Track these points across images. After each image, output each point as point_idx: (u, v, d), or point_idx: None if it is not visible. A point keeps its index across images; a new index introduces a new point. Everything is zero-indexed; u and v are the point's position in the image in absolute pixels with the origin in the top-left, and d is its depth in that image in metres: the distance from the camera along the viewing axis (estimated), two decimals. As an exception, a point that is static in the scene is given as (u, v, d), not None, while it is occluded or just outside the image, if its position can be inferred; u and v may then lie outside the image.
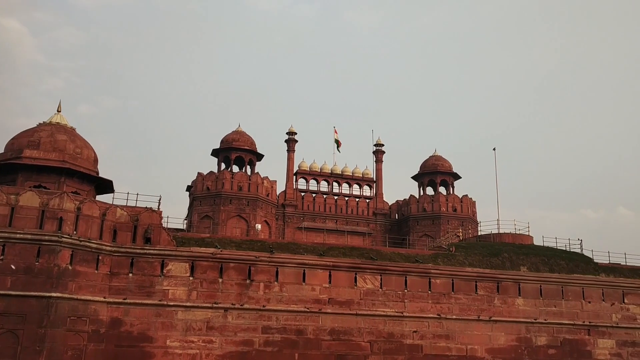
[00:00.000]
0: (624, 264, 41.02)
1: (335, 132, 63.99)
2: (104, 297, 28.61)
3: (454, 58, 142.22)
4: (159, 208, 32.04)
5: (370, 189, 63.91)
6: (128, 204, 31.86)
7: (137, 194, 32.56)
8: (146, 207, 31.48)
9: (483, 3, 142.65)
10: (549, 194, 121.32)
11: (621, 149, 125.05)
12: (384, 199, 62.99)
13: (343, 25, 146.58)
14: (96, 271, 28.70)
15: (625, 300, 37.06)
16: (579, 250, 40.91)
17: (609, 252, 40.82)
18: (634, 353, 35.97)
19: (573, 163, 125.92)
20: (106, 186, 35.32)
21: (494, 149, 52.84)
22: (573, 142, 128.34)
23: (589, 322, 35.79)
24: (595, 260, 39.78)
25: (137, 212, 31.04)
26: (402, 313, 32.77)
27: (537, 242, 41.91)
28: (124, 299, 28.94)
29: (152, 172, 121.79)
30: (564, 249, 41.02)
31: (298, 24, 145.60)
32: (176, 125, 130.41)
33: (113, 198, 32.59)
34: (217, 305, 30.19)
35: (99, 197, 34.49)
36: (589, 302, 36.27)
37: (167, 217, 38.83)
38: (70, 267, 27.61)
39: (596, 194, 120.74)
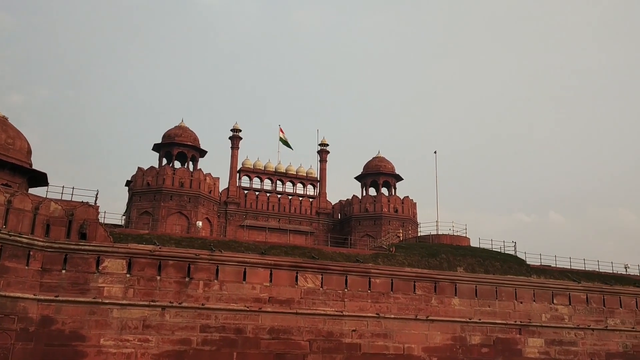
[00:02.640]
0: (554, 266, 42.80)
1: (281, 130, 63.84)
2: (34, 295, 27.43)
3: (399, 60, 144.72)
4: (95, 203, 31.08)
5: (314, 189, 64.14)
6: (63, 198, 30.76)
7: (73, 188, 31.55)
8: (82, 202, 30.45)
9: (429, 6, 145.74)
10: (486, 197, 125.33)
11: (552, 157, 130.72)
12: (327, 199, 63.35)
13: (289, 23, 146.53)
14: (27, 267, 27.49)
15: (555, 301, 38.63)
16: (512, 252, 42.39)
17: (540, 254, 42.55)
18: (561, 352, 37.57)
19: (508, 168, 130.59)
20: (40, 179, 33.95)
21: (435, 152, 54.06)
22: (508, 148, 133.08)
23: (521, 322, 37.10)
24: (527, 262, 41.30)
25: (72, 207, 29.96)
26: (341, 312, 33.01)
27: (474, 243, 43.17)
28: (56, 297, 27.86)
29: (90, 166, 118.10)
30: (499, 250, 42.43)
31: (243, 20, 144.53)
32: (116, 118, 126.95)
33: (47, 192, 31.40)
34: (154, 304, 29.53)
35: (32, 191, 33.14)
36: (521, 303, 37.60)
37: (105, 212, 37.85)
38: (-2, 263, 26.34)
39: (529, 198, 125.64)
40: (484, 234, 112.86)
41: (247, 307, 31.18)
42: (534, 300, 38.06)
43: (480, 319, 36.03)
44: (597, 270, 43.84)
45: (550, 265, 42.62)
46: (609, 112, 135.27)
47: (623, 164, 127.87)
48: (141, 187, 52.60)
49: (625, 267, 45.98)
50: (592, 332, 38.73)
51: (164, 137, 56.13)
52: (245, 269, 31.89)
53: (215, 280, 31.16)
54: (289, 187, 63.62)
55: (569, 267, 42.86)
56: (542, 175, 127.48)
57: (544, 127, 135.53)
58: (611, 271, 44.46)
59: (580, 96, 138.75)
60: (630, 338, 39.79)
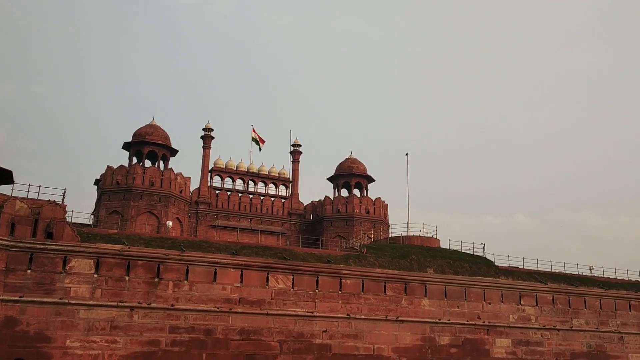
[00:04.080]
0: (522, 267, 43.49)
1: (254, 130, 63.56)
2: (-2, 295, 26.79)
3: (371, 61, 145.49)
4: (63, 202, 30.55)
5: (286, 189, 64.03)
6: (29, 197, 30.09)
7: (40, 187, 30.94)
8: (49, 200, 29.87)
9: (396, 9, 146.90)
10: (455, 199, 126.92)
11: (519, 160, 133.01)
12: (300, 199, 63.30)
13: (260, 24, 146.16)
14: (-10, 267, 26.82)
15: (522, 302, 39.26)
16: (481, 254, 42.95)
17: (508, 256, 43.18)
18: (527, 352, 38.20)
19: (477, 171, 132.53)
20: (5, 177, 33.06)
21: (407, 154, 54.44)
22: (477, 151, 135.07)
23: (489, 322, 37.61)
24: (496, 264, 41.89)
25: (38, 205, 29.34)
26: (312, 313, 33.02)
27: (444, 245, 43.59)
28: (21, 297, 27.24)
29: (57, 165, 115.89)
30: (468, 252, 42.93)
31: (215, 20, 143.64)
32: (85, 116, 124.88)
33: (12, 190, 30.64)
34: (122, 304, 29.10)
35: (-4, 188, 32.29)
36: (489, 304, 38.12)
37: (72, 211, 37.18)
38: (-40, 262, 25.67)
39: (497, 200, 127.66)
40: (453, 236, 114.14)
41: (218, 308, 30.96)
42: (502, 301, 38.62)
43: (449, 320, 36.41)
44: (564, 271, 44.73)
45: (518, 267, 43.29)
46: (575, 118, 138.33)
47: (588, 168, 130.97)
48: (110, 186, 51.81)
49: (590, 269, 47.00)
50: (557, 332, 39.49)
51: (134, 135, 55.40)
52: (215, 269, 31.66)
53: (185, 281, 30.86)
54: (261, 187, 63.39)
55: (536, 268, 43.60)
56: (510, 178, 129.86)
57: (512, 131, 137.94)
58: (577, 273, 45.41)
59: (549, 100, 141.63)
60: (594, 338, 40.69)
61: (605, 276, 46.27)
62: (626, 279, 46.99)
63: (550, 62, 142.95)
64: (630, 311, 42.66)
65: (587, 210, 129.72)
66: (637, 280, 47.64)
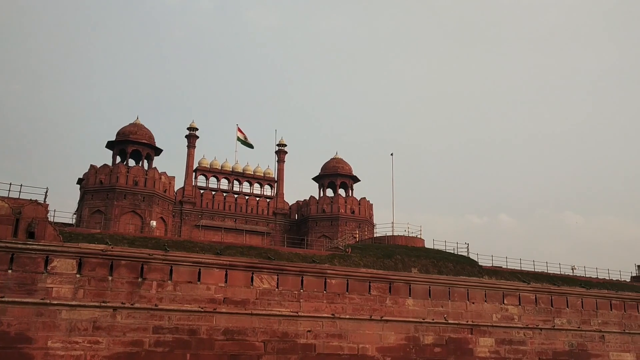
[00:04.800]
0: (505, 267, 43.85)
1: (239, 130, 63.35)
2: (-22, 295, 26.41)
3: (357, 61, 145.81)
4: (45, 201, 30.15)
5: (271, 189, 63.93)
6: (10, 196, 29.63)
7: (21, 186, 30.49)
8: (30, 200, 29.46)
9: (382, 9, 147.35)
10: (440, 199, 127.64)
11: (502, 160, 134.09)
12: (285, 199, 63.25)
13: (245, 23, 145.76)
14: (-30, 267, 26.43)
15: (505, 301, 39.55)
16: (465, 254, 43.22)
17: (492, 256, 43.55)
18: (510, 351, 38.50)
19: (461, 171, 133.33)
20: (-14, 175, 32.67)
21: (392, 154, 54.55)
22: (461, 152, 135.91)
23: (472, 322, 37.83)
24: (479, 264, 42.19)
25: (20, 205, 28.94)
26: (297, 313, 32.97)
27: (428, 244, 43.84)
28: (1, 297, 26.84)
29: (39, 163, 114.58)
30: (452, 252, 43.19)
31: (199, 19, 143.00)
32: (68, 114, 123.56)
33: (-7, 188, 30.24)
34: (105, 304, 28.82)
35: (-24, 187, 31.88)
36: (473, 303, 38.35)
37: (54, 210, 36.83)
38: (-61, 262, 25.25)
39: (480, 201, 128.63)
40: (437, 236, 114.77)
41: (202, 308, 30.80)
42: (485, 301, 38.87)
43: (433, 319, 36.57)
44: (546, 271, 45.18)
45: (501, 267, 43.63)
46: (557, 120, 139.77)
47: (570, 168, 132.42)
48: (93, 185, 51.35)
49: (572, 269, 47.55)
50: (540, 331, 39.83)
51: (118, 134, 54.96)
52: (200, 269, 31.49)
53: (169, 281, 30.66)
54: (246, 187, 63.24)
55: (519, 268, 43.99)
56: (493, 179, 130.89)
57: (496, 132, 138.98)
58: (559, 272, 45.89)
59: (531, 102, 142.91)
60: (576, 337, 41.11)
61: (587, 276, 46.85)
62: (607, 278, 47.62)
63: (531, 62, 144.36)
64: (611, 310, 43.18)
65: (569, 210, 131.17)
66: (618, 280, 48.30)
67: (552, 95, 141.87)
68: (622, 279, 48.94)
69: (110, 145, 54.84)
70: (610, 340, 42.26)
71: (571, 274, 46.62)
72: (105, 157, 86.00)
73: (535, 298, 40.66)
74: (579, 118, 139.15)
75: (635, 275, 50.87)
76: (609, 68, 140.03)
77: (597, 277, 46.91)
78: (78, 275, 28.81)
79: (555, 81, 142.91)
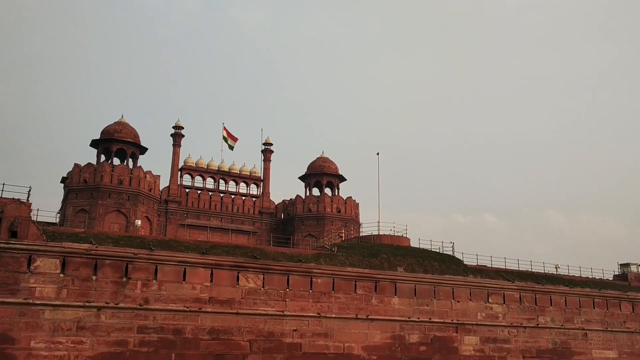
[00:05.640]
0: (490, 266, 44.18)
1: (225, 129, 63.13)
2: (-41, 295, 26.07)
3: (342, 60, 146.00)
4: (28, 199, 29.86)
5: (257, 188, 63.80)
6: (-8, 195, 29.35)
7: (3, 184, 30.25)
8: (13, 199, 29.15)
9: (369, 9, 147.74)
10: (425, 199, 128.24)
11: (486, 160, 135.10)
12: (271, 198, 63.15)
13: (231, 22, 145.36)
14: (-49, 267, 26.08)
15: (490, 300, 39.84)
16: (451, 253, 43.47)
17: (477, 254, 43.87)
18: (495, 349, 38.80)
19: (446, 170, 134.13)
20: (-33, 174, 32.26)
21: (378, 154, 54.62)
22: (446, 152, 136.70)
23: (457, 320, 38.06)
24: (464, 262, 42.45)
25: (2, 204, 28.63)
26: (283, 312, 32.95)
27: (414, 244, 44.03)
28: (-17, 297, 26.57)
29: (22, 162, 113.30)
30: (438, 251, 43.42)
31: (184, 17, 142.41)
32: (52, 112, 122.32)
33: (-26, 187, 29.89)
34: (89, 304, 28.58)
35: (-43, 186, 31.43)
36: (458, 302, 38.57)
37: (38, 210, 36.30)
38: None
39: (465, 200, 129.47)
40: (423, 235, 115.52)
41: (187, 308, 30.66)
42: (470, 300, 39.12)
43: (418, 318, 36.73)
44: (530, 270, 45.57)
45: (486, 265, 43.95)
46: (540, 120, 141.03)
47: (552, 168, 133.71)
48: (78, 184, 50.90)
49: (556, 267, 48.02)
50: (524, 329, 40.18)
51: (102, 133, 54.52)
52: (185, 268, 31.34)
53: (154, 280, 30.48)
54: (232, 186, 63.06)
55: (503, 267, 44.35)
56: (478, 178, 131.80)
57: (479, 133, 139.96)
58: (543, 271, 46.32)
59: (515, 102, 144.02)
60: (560, 335, 41.53)
61: (570, 274, 47.36)
62: (590, 277, 48.18)
63: (514, 63, 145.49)
64: (594, 308, 43.68)
65: (552, 209, 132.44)
66: (601, 279, 48.88)
67: (535, 97, 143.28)
68: (605, 278, 49.54)
69: (94, 143, 54.38)
70: (593, 338, 42.75)
71: (555, 272, 47.09)
72: (89, 156, 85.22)
73: (520, 297, 40.99)
74: (561, 119, 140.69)
75: (617, 273, 51.51)
76: (590, 71, 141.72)
77: (581, 276, 47.44)
78: (62, 275, 28.54)
79: (536, 83, 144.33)
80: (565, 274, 47.19)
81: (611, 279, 50.13)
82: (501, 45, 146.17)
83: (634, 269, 51.53)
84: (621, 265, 52.51)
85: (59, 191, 57.27)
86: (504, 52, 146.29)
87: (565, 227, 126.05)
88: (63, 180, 55.72)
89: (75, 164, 51.91)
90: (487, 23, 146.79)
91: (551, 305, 42.05)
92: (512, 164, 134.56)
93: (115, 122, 55.26)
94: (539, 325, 40.88)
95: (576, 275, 47.38)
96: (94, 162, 53.04)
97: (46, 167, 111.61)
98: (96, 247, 29.66)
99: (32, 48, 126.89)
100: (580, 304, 43.20)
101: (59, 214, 51.47)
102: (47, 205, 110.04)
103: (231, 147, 62.83)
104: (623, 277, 50.07)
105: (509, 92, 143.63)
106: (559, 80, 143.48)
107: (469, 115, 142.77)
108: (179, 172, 59.91)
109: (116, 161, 54.52)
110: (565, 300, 42.80)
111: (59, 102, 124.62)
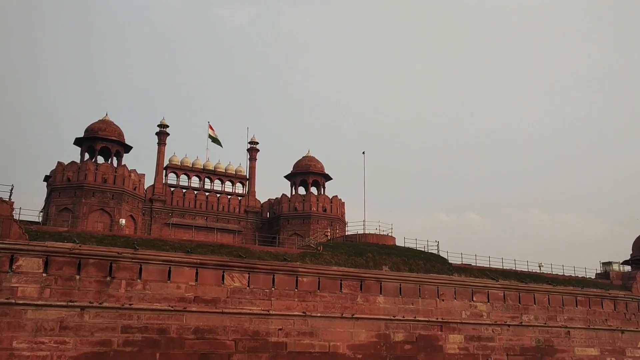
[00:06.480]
0: (474, 264, 44.42)
1: (210, 127, 62.82)
2: (-60, 295, 25.72)
3: (328, 59, 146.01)
4: (10, 198, 29.53)
5: (243, 187, 63.60)
6: (-27, 193, 28.96)
7: (-15, 183, 29.79)
8: (-5, 197, 28.81)
9: (352, 8, 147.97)
10: (410, 198, 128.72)
11: (470, 159, 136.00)
12: (256, 197, 62.97)
13: (214, 20, 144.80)
14: None
15: (474, 299, 40.13)
16: (435, 252, 43.61)
17: (461, 253, 44.00)
18: (479, 347, 39.09)
19: (429, 170, 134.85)
20: (-52, 172, 31.80)
21: (363, 153, 54.76)
22: (430, 150, 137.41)
23: (442, 319, 38.29)
24: (449, 261, 42.64)
25: (-17, 202, 28.30)
26: (268, 311, 32.91)
27: (399, 242, 44.11)
28: (-36, 297, 26.24)
29: (4, 160, 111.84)
30: (423, 249, 43.53)
31: (168, 15, 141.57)
32: (35, 110, 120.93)
33: (-45, 186, 29.50)
34: (72, 304, 28.35)
35: (-62, 184, 30.99)
36: (443, 300, 38.80)
37: (20, 208, 35.67)
38: None
39: (449, 199, 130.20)
40: (408, 234, 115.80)
41: (172, 307, 30.51)
42: (455, 298, 39.37)
43: (404, 317, 36.89)
44: (514, 269, 45.87)
45: (470, 264, 44.18)
46: (523, 120, 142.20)
47: (534, 167, 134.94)
48: (61, 183, 50.36)
49: (539, 266, 48.38)
50: (508, 327, 40.53)
51: (86, 131, 53.97)
52: (170, 268, 31.21)
53: (139, 280, 30.30)
54: (217, 185, 62.74)
55: (488, 265, 44.59)
56: (461, 177, 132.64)
57: (463, 132, 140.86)
58: (526, 270, 46.64)
59: (499, 101, 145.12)
60: (543, 333, 41.96)
61: (553, 273, 47.75)
62: (573, 275, 48.64)
63: (498, 61, 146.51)
64: (577, 307, 44.18)
65: (534, 207, 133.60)
66: (584, 277, 49.37)
67: (518, 95, 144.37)
68: (588, 276, 50.03)
69: (78, 142, 53.81)
70: (575, 336, 43.23)
71: (538, 271, 47.47)
72: (73, 154, 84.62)
73: (504, 295, 41.33)
74: (543, 118, 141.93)
75: (599, 272, 52.08)
76: (572, 71, 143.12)
77: (564, 275, 47.88)
78: (44, 275, 28.28)
79: (519, 84, 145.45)
80: (549, 272, 47.62)
81: (593, 277, 50.67)
82: (485, 44, 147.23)
83: (615, 267, 52.12)
84: (603, 263, 53.09)
85: (42, 190, 56.69)
86: (488, 52, 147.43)
87: (548, 226, 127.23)
88: (46, 178, 55.12)
89: (58, 163, 51.36)
90: (471, 21, 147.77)
91: (535, 304, 42.45)
92: (496, 163, 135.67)
93: (99, 120, 54.73)
94: (523, 324, 41.25)
95: (559, 273, 47.84)
96: (78, 160, 52.50)
97: (29, 166, 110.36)
98: (80, 246, 29.41)
99: (14, 46, 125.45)
100: (563, 302, 43.67)
101: (42, 213, 50.88)
102: (30, 204, 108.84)
103: (220, 144, 62.35)
104: (605, 276, 50.64)
105: (492, 93, 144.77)
106: (542, 82, 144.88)
107: (454, 115, 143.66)
108: (164, 171, 59.51)
109: (100, 160, 54.04)
110: (549, 298, 43.24)
111: (42, 99, 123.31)
